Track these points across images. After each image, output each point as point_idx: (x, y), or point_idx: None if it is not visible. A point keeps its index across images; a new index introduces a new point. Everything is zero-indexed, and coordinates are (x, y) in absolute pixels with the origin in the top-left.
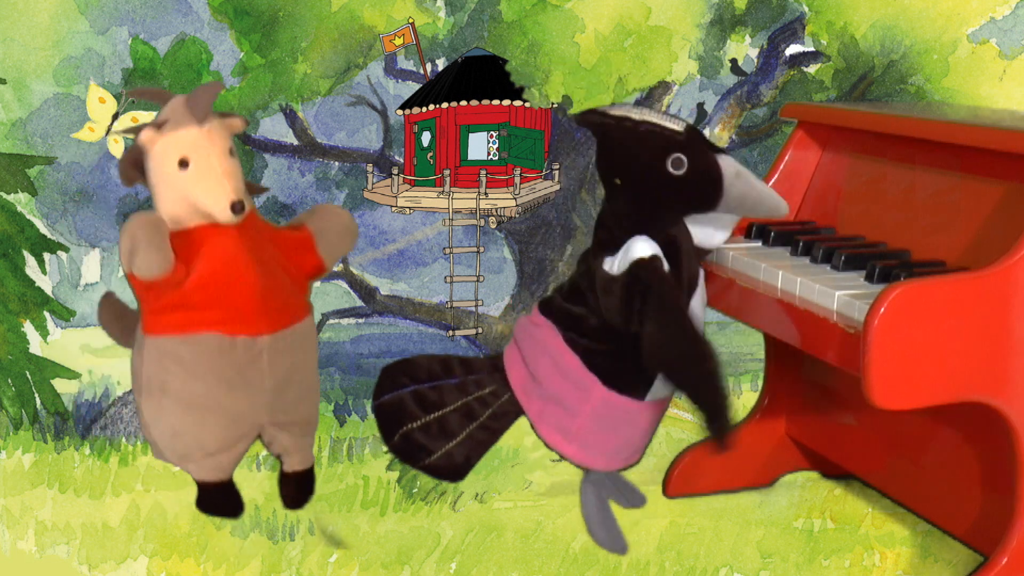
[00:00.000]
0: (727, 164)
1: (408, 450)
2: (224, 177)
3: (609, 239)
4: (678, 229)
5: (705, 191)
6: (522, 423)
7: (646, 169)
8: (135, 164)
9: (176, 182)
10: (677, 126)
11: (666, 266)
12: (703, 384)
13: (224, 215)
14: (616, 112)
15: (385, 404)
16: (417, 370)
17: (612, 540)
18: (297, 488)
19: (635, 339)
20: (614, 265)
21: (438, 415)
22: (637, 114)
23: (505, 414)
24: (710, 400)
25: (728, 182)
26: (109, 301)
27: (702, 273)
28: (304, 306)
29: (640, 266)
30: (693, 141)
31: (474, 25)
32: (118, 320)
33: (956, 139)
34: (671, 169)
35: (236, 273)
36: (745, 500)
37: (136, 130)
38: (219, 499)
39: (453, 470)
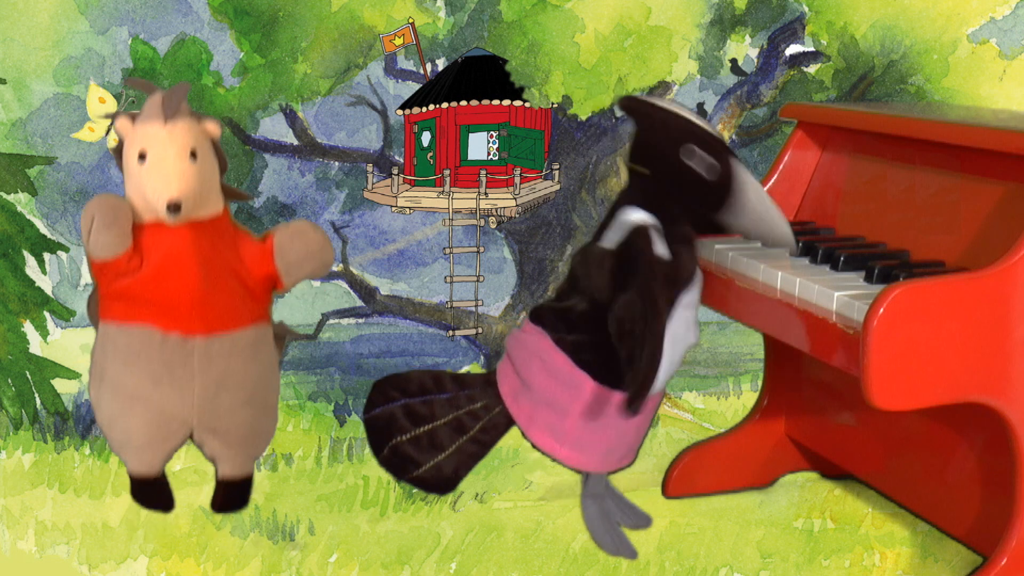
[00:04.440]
0: (744, 173)
1: (397, 463)
2: (172, 176)
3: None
4: (689, 229)
5: (714, 189)
6: (517, 430)
7: (665, 155)
8: (119, 152)
9: (135, 174)
10: (707, 126)
11: (662, 245)
12: (645, 358)
13: (162, 212)
14: (655, 101)
15: (375, 417)
16: (408, 384)
17: (620, 547)
18: (224, 495)
19: None
20: (609, 240)
21: (428, 428)
22: (674, 107)
23: (495, 427)
24: (643, 375)
25: (740, 188)
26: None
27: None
28: (252, 314)
29: (639, 233)
30: (716, 142)
31: (474, 25)
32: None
33: (956, 139)
34: (684, 158)
35: (178, 271)
36: (745, 500)
37: (115, 116)
38: (148, 493)
39: (442, 482)
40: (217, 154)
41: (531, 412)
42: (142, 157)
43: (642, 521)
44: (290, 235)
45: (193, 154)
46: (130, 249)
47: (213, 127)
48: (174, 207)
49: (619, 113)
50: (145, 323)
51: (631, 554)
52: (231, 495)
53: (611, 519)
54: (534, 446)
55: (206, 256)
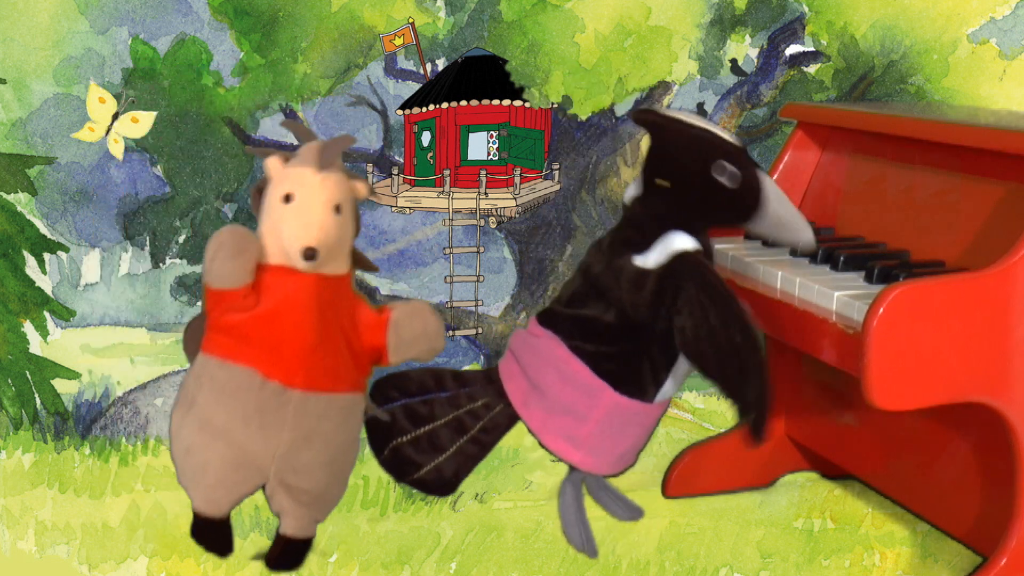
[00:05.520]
0: (768, 181)
1: (398, 465)
2: (314, 223)
3: (640, 239)
4: (710, 242)
5: (744, 202)
6: (517, 430)
7: (694, 171)
8: (259, 191)
9: (275, 213)
10: (729, 136)
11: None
12: (749, 374)
13: (296, 257)
14: (672, 113)
15: (375, 418)
16: (408, 384)
17: (585, 542)
18: (281, 552)
19: (654, 338)
20: (647, 260)
21: (428, 429)
22: (692, 119)
23: (496, 427)
24: (754, 391)
25: (766, 197)
26: (197, 320)
27: None
28: (353, 381)
29: (683, 259)
30: (741, 153)
31: (474, 25)
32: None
33: (956, 139)
34: (716, 175)
35: (293, 318)
36: (745, 500)
37: (265, 153)
38: (209, 535)
39: (442, 484)
40: (355, 219)
41: (545, 418)
42: (288, 199)
43: (635, 513)
44: (409, 313)
45: (338, 208)
46: (249, 285)
47: (362, 188)
48: (310, 254)
49: (620, 115)
50: (248, 364)
51: (592, 552)
52: (288, 553)
53: (584, 512)
54: (548, 451)
55: (323, 311)
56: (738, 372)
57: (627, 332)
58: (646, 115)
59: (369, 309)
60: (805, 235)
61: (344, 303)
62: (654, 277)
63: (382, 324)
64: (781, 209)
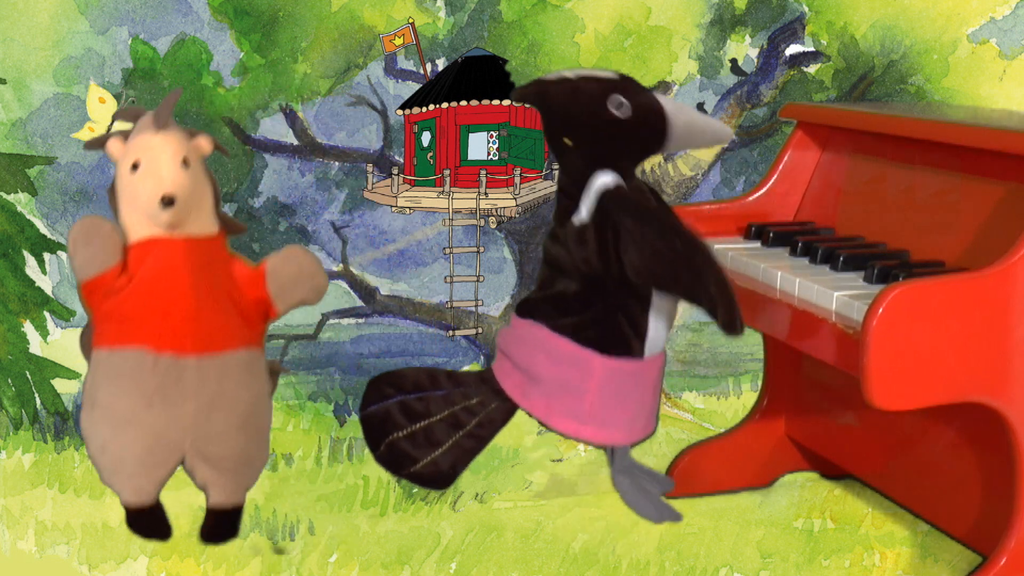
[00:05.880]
0: (665, 99)
1: (394, 459)
2: (165, 175)
3: (572, 204)
4: (642, 183)
5: (652, 127)
6: (514, 426)
7: (590, 116)
8: (112, 189)
9: (128, 186)
10: (611, 74)
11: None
12: (701, 272)
13: (156, 212)
14: (551, 76)
15: (371, 415)
16: (403, 381)
17: (664, 514)
18: (214, 524)
19: (619, 289)
20: (582, 214)
21: (424, 424)
22: (571, 72)
23: (492, 422)
24: (713, 285)
25: (671, 114)
26: (89, 326)
27: None
28: (244, 337)
29: (608, 196)
30: (629, 83)
31: (474, 25)
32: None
33: (956, 139)
34: (614, 111)
35: (171, 287)
36: (745, 500)
37: (103, 141)
38: (144, 524)
39: (439, 478)
40: (209, 178)
41: (547, 403)
42: (135, 167)
43: (666, 484)
44: (282, 259)
45: (185, 162)
46: (118, 267)
47: (205, 143)
48: (167, 200)
49: (518, 104)
50: (137, 345)
51: (676, 517)
52: (221, 524)
53: (647, 490)
54: (560, 434)
55: (198, 272)
56: (693, 276)
57: (593, 294)
58: (525, 90)
59: (245, 264)
60: (722, 130)
61: (219, 263)
62: (592, 227)
63: (259, 276)
64: (687, 117)
